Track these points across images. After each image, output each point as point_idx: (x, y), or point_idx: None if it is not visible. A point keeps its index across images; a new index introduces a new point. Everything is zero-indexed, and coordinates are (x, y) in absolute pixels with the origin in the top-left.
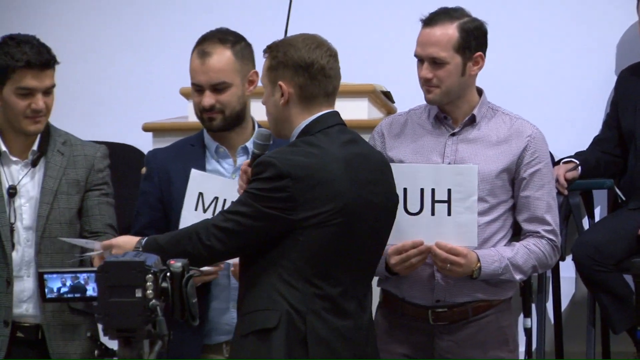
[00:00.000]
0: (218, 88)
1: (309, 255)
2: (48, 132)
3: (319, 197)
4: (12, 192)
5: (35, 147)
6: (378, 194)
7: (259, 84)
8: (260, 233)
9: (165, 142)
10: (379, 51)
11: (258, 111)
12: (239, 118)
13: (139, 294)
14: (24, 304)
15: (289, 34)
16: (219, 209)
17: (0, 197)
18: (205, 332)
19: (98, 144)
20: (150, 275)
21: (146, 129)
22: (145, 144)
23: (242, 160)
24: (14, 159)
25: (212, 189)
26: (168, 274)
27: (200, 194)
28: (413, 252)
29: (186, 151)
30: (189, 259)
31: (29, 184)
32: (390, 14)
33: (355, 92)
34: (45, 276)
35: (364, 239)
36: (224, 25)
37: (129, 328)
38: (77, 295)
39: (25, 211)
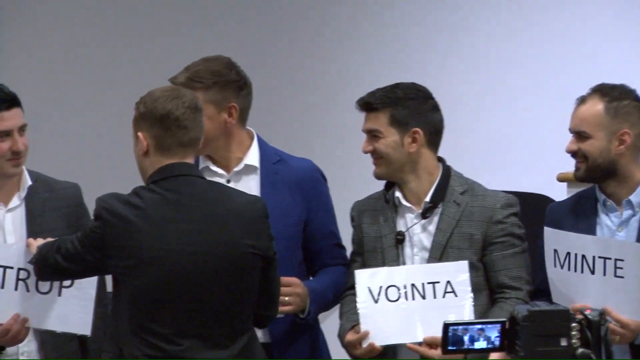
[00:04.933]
0: (581, 135)
1: (130, 301)
2: (447, 181)
3: (123, 249)
4: (400, 238)
5: (427, 197)
6: (198, 244)
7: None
8: (86, 264)
9: None
10: None
11: None
12: (605, 172)
13: (563, 342)
14: None
15: None
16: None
17: (392, 246)
18: None
19: (505, 193)
20: (575, 324)
21: (561, 179)
22: (559, 194)
23: (628, 214)
24: (408, 205)
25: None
26: (585, 322)
27: None
28: None
29: (581, 204)
30: (49, 269)
31: (421, 234)
32: None
33: None
34: (450, 328)
35: (185, 287)
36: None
37: None
38: (472, 347)
39: (416, 261)
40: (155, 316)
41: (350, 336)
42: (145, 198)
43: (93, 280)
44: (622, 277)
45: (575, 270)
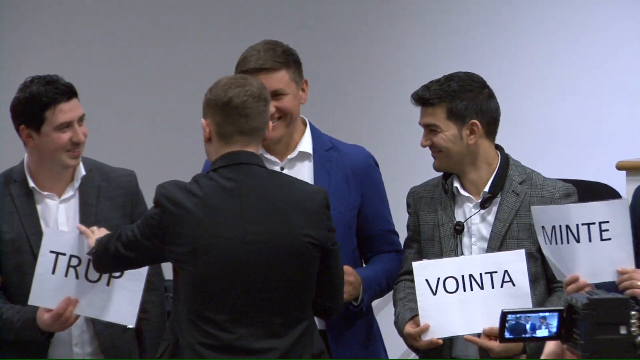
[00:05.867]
0: None
1: (187, 288)
2: (506, 171)
3: (181, 237)
4: (459, 228)
5: (487, 188)
6: (256, 233)
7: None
8: (145, 251)
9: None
10: None
11: None
12: None
13: (623, 330)
14: None
15: None
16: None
17: (450, 235)
18: None
19: (563, 182)
20: (634, 312)
21: (620, 167)
22: (619, 182)
23: None
24: (467, 195)
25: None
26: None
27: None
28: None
29: None
30: (110, 259)
31: (480, 224)
32: None
33: None
34: (509, 316)
35: (241, 275)
36: None
37: None
38: (533, 335)
39: (474, 250)
40: (210, 304)
41: (410, 328)
42: (204, 186)
43: (143, 272)
44: (609, 239)
45: (562, 243)
